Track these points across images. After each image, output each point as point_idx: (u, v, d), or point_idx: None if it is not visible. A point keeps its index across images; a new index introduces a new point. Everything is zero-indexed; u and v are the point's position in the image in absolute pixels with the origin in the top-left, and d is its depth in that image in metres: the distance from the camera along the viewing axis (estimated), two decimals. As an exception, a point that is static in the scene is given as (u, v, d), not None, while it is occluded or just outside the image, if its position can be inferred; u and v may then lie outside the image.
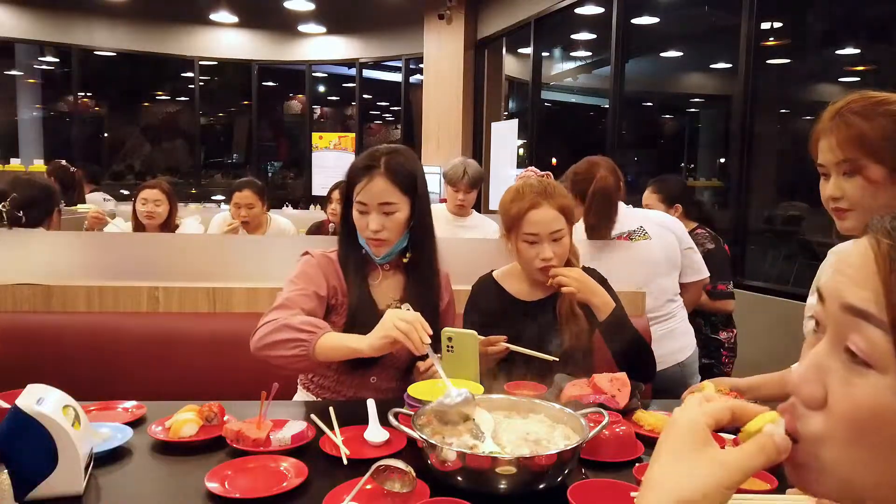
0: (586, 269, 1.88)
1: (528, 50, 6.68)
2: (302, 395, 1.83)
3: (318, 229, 4.11)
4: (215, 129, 11.28)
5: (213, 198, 8.05)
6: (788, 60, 5.41)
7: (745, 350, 3.17)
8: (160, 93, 11.33)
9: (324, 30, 9.42)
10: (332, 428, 1.42)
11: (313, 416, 1.48)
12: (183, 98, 10.85)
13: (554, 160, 7.42)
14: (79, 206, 4.68)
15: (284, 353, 1.52)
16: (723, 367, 2.95)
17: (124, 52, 9.55)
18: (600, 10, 5.96)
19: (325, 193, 4.18)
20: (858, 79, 5.43)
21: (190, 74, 9.89)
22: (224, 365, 2.05)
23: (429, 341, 1.44)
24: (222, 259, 2.49)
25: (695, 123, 9.37)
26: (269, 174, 10.98)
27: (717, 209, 5.63)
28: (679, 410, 0.57)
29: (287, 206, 6.73)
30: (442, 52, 7.81)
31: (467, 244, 2.76)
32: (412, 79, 9.17)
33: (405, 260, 1.78)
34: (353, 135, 8.37)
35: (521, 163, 6.49)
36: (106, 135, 10.82)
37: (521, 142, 6.66)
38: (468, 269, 2.05)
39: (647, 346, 1.88)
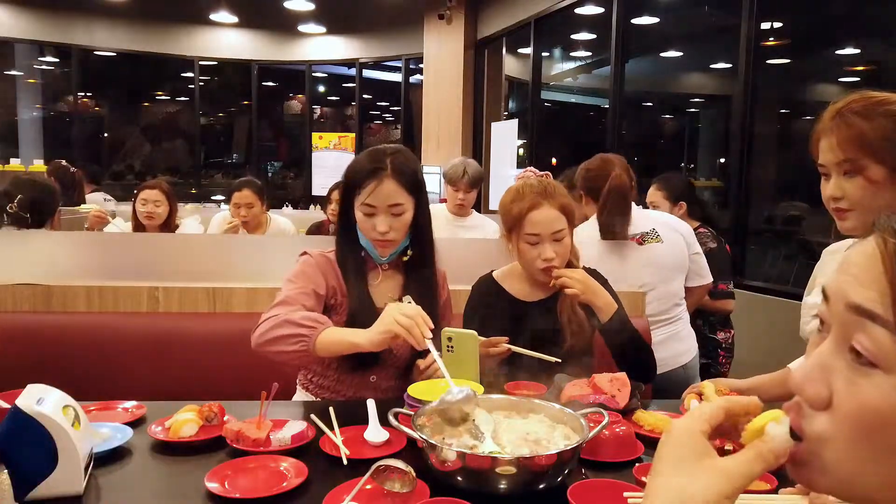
0: (587, 270, 1.88)
1: (528, 50, 6.68)
2: (301, 396, 1.83)
3: (317, 229, 4.11)
4: (215, 129, 11.28)
5: (213, 198, 8.05)
6: (788, 60, 5.41)
7: (745, 350, 3.17)
8: (160, 93, 11.33)
9: (324, 30, 9.42)
10: (332, 428, 1.42)
11: (313, 416, 1.48)
12: (183, 98, 10.85)
13: (554, 160, 7.42)
14: (82, 206, 4.67)
15: (285, 349, 1.52)
16: (720, 368, 2.95)
17: (124, 52, 9.56)
18: (600, 10, 5.96)
19: (324, 193, 4.18)
20: (858, 79, 5.43)
21: (190, 74, 9.89)
22: (224, 365, 2.05)
23: (430, 336, 1.43)
24: (222, 259, 2.50)
25: (695, 123, 9.37)
26: (269, 174, 10.98)
27: (717, 209, 5.62)
28: (674, 423, 0.57)
29: (287, 206, 6.73)
30: (442, 52, 7.81)
31: (467, 244, 2.77)
32: (412, 79, 9.17)
33: (405, 259, 1.78)
34: (353, 135, 8.37)
35: (521, 163, 6.49)
36: (106, 135, 10.82)
37: (521, 142, 6.66)
38: (468, 269, 2.05)
39: (648, 348, 1.88)
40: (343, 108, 11.16)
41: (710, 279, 2.64)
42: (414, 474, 1.15)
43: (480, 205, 5.59)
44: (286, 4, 7.85)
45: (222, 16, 8.65)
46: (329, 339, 1.51)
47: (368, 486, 1.15)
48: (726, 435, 0.59)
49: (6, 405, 1.34)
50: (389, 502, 1.15)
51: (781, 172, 5.58)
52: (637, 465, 1.30)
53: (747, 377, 1.71)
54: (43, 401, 1.16)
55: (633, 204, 2.49)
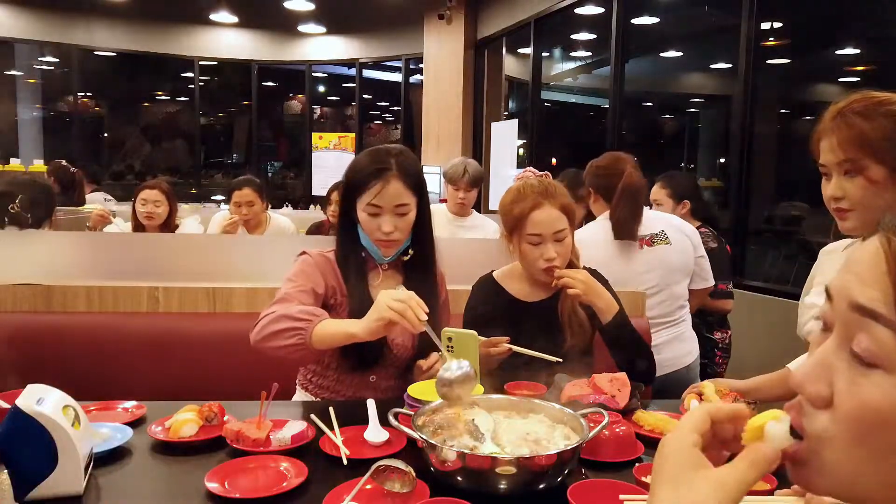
0: (588, 270, 1.87)
1: (528, 50, 6.68)
2: (301, 396, 1.83)
3: (317, 229, 4.11)
4: (215, 129, 11.28)
5: (213, 198, 8.05)
6: (788, 60, 5.41)
7: (745, 350, 3.17)
8: (160, 93, 11.33)
9: (324, 30, 9.42)
10: (332, 428, 1.42)
11: (313, 416, 1.48)
12: (183, 98, 10.85)
13: (554, 160, 7.42)
14: (84, 206, 4.67)
15: (282, 343, 1.52)
16: (716, 368, 2.95)
17: (124, 52, 9.56)
18: (600, 10, 5.96)
19: (324, 193, 4.18)
20: (858, 79, 5.43)
21: (190, 74, 9.89)
22: (224, 365, 2.05)
23: (426, 318, 1.40)
24: (222, 259, 2.49)
25: (695, 123, 9.37)
26: (269, 174, 10.98)
27: (717, 209, 5.63)
28: (664, 439, 0.57)
29: (287, 205, 6.73)
30: (442, 52, 7.81)
31: (467, 244, 2.76)
32: (412, 79, 9.17)
33: (405, 258, 1.78)
34: (353, 135, 8.37)
35: (521, 163, 6.49)
36: (106, 135, 10.82)
37: (521, 142, 6.66)
38: (468, 269, 2.05)
39: (648, 349, 1.88)
40: (343, 108, 11.16)
41: (712, 282, 2.64)
42: (414, 474, 1.15)
43: (480, 205, 5.59)
44: (286, 4, 7.85)
45: (222, 16, 8.65)
46: (325, 330, 1.50)
47: (368, 486, 1.15)
48: (726, 444, 0.59)
49: (6, 405, 1.34)
50: (389, 502, 1.15)
51: (781, 172, 5.58)
52: (637, 465, 1.30)
53: (747, 377, 1.71)
54: (43, 401, 1.16)
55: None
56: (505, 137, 6.60)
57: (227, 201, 4.16)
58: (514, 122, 6.53)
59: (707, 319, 2.96)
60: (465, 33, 7.49)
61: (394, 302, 1.41)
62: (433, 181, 6.29)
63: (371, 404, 1.50)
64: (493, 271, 1.96)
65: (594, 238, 2.41)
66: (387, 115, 11.41)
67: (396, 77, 9.46)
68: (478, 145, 7.61)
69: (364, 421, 1.45)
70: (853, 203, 1.34)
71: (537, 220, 1.75)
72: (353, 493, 1.12)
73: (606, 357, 1.82)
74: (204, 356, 2.11)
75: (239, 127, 11.24)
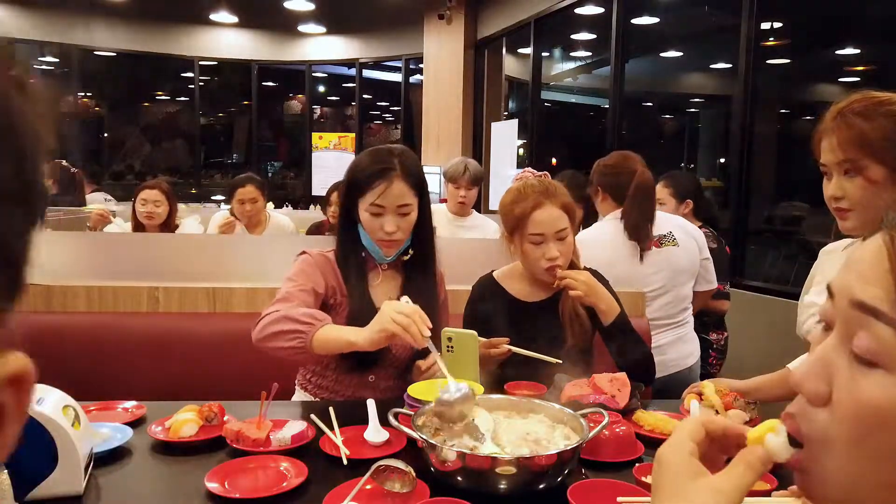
0: (588, 271, 1.87)
1: (528, 50, 6.68)
2: (300, 396, 1.83)
3: (317, 229, 4.11)
4: (215, 129, 11.28)
5: (213, 198, 8.04)
6: (788, 60, 5.42)
7: (745, 350, 3.17)
8: (160, 93, 11.33)
9: (324, 30, 9.41)
10: (331, 428, 1.42)
11: (313, 416, 1.48)
12: (183, 98, 10.84)
13: (554, 160, 7.42)
14: (84, 206, 4.67)
15: (282, 345, 1.52)
16: (709, 368, 2.94)
17: (124, 52, 9.55)
18: (600, 10, 5.96)
19: (324, 193, 4.18)
20: (858, 79, 5.43)
21: (190, 74, 9.88)
22: (224, 365, 2.05)
23: (429, 334, 1.41)
24: (222, 259, 2.49)
25: (695, 123, 9.37)
26: (269, 174, 10.98)
27: (718, 209, 5.63)
28: (660, 450, 0.57)
29: (287, 205, 6.73)
30: (442, 52, 7.81)
31: (467, 244, 2.76)
32: (412, 79, 9.17)
33: (406, 258, 1.78)
34: (353, 135, 8.36)
35: (521, 163, 6.49)
36: (106, 135, 10.82)
37: (521, 142, 6.66)
38: (468, 269, 2.05)
39: (648, 352, 1.88)
40: (343, 108, 11.16)
41: (716, 284, 2.64)
42: (414, 474, 1.15)
43: (480, 205, 5.59)
44: (286, 4, 7.85)
45: (222, 16, 8.65)
46: (326, 336, 1.50)
47: (368, 486, 1.15)
48: (724, 450, 0.59)
49: (6, 405, 1.34)
50: (389, 502, 1.15)
51: (781, 172, 5.58)
52: (637, 465, 1.30)
53: (747, 378, 1.71)
54: (43, 401, 1.16)
55: None
56: (505, 137, 6.60)
57: (227, 201, 4.17)
58: (514, 122, 6.53)
59: (703, 320, 2.96)
60: (465, 33, 7.48)
61: (398, 315, 1.41)
62: (433, 181, 6.29)
63: (371, 404, 1.50)
64: (493, 271, 1.96)
65: (601, 238, 2.40)
66: (387, 115, 11.41)
67: (396, 77, 9.46)
68: (478, 145, 7.61)
69: (364, 421, 1.45)
70: (853, 203, 1.34)
71: (539, 220, 1.75)
72: (353, 493, 1.12)
73: (606, 357, 1.82)
74: (204, 356, 2.11)
75: (239, 127, 11.23)
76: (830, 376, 0.49)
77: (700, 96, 9.16)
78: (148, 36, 9.39)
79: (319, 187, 7.50)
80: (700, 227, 2.98)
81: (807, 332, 1.57)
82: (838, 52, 5.70)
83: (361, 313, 1.67)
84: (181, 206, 4.05)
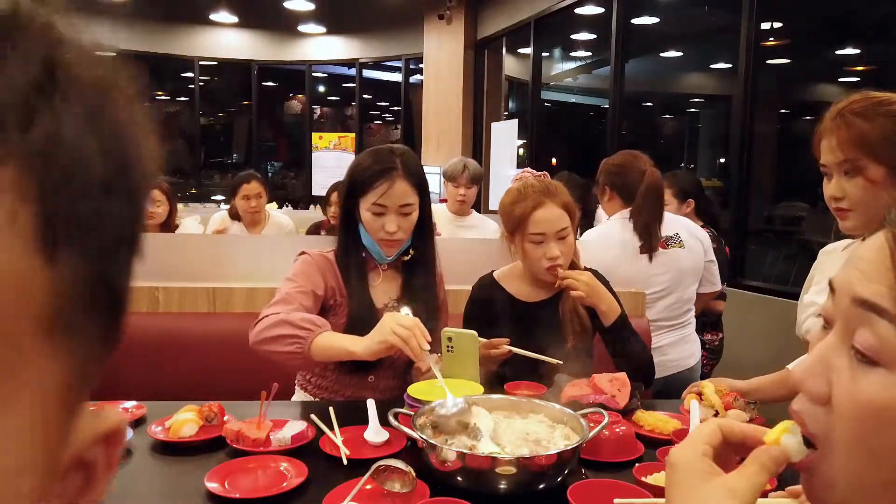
0: (589, 271, 1.87)
1: (528, 50, 6.68)
2: (300, 396, 1.83)
3: (317, 229, 4.11)
4: (215, 129, 11.28)
5: (213, 198, 8.05)
6: (788, 60, 5.42)
7: (744, 350, 3.17)
8: (160, 93, 11.33)
9: (324, 30, 9.41)
10: (331, 428, 1.42)
11: (313, 416, 1.48)
12: (183, 98, 10.85)
13: (554, 160, 7.42)
14: None
15: (280, 349, 1.51)
16: (701, 368, 2.94)
17: (124, 52, 9.53)
18: (600, 10, 5.96)
19: (324, 193, 4.19)
20: (858, 79, 5.44)
21: (190, 74, 9.89)
22: (224, 365, 2.05)
23: (427, 348, 1.42)
24: (222, 259, 2.49)
25: (695, 123, 9.37)
26: (269, 174, 10.98)
27: (718, 209, 5.64)
28: (673, 451, 0.57)
29: (287, 205, 6.73)
30: (442, 52, 7.81)
31: (467, 244, 2.76)
32: (412, 79, 9.17)
33: (406, 258, 1.78)
34: (353, 135, 8.36)
35: (521, 163, 6.48)
36: (106, 135, 10.81)
37: (521, 142, 6.66)
38: (468, 269, 2.05)
39: (648, 352, 1.87)
40: (343, 108, 11.16)
41: (719, 286, 2.63)
42: (414, 474, 1.15)
43: (480, 205, 5.59)
44: (286, 4, 7.85)
45: (222, 16, 8.65)
46: (324, 343, 1.50)
47: (368, 486, 1.15)
48: (740, 453, 0.59)
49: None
50: (389, 502, 1.15)
51: (781, 172, 5.58)
52: (637, 465, 1.30)
53: (748, 378, 1.71)
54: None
55: None
56: (505, 137, 6.60)
57: (227, 201, 4.17)
58: (514, 122, 6.53)
59: (700, 320, 2.96)
60: (465, 33, 7.48)
61: (399, 328, 1.41)
62: (433, 181, 6.28)
63: (371, 404, 1.50)
64: (493, 271, 1.96)
65: (608, 237, 2.40)
66: (387, 115, 11.41)
67: (396, 77, 9.46)
68: (478, 145, 7.61)
69: (364, 421, 1.45)
70: (853, 203, 1.34)
71: (539, 219, 1.75)
72: (353, 493, 1.12)
73: (606, 357, 1.82)
74: (204, 356, 2.11)
75: (239, 127, 11.23)
76: (830, 375, 0.49)
77: (700, 96, 9.17)
78: (148, 36, 9.38)
79: (319, 187, 7.50)
80: (702, 227, 2.98)
81: (806, 332, 1.57)
82: (838, 52, 5.71)
83: (361, 314, 1.68)
84: (181, 206, 4.06)
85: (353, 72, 9.62)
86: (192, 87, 9.92)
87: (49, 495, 0.28)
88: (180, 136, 10.65)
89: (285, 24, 9.28)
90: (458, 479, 1.17)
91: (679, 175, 3.15)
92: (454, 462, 1.17)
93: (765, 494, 1.10)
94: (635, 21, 5.86)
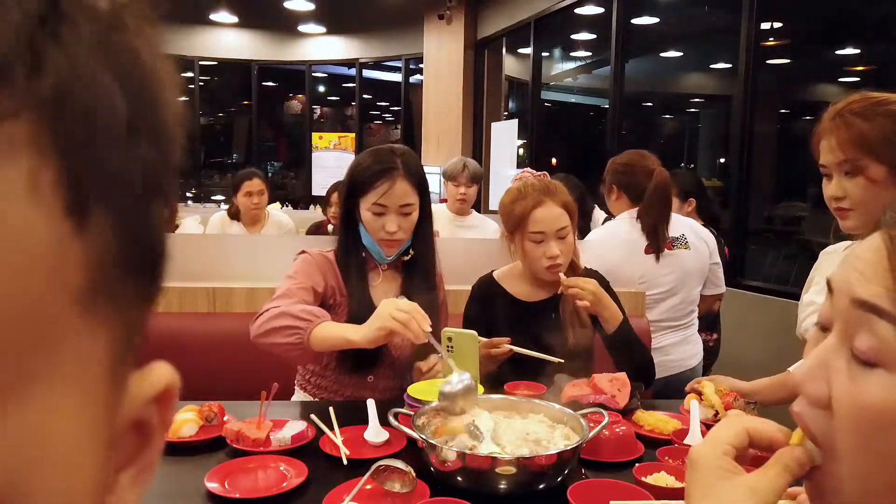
0: (588, 271, 1.87)
1: (528, 50, 6.68)
2: (300, 396, 1.83)
3: (317, 229, 4.11)
4: (215, 129, 11.28)
5: (213, 198, 8.04)
6: (788, 60, 5.42)
7: (744, 350, 3.17)
8: (160, 93, 11.32)
9: (324, 30, 9.41)
10: (331, 428, 1.42)
11: (313, 416, 1.48)
12: (183, 98, 10.82)
13: (554, 160, 7.42)
14: None
15: (281, 341, 1.51)
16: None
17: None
18: (600, 10, 5.96)
19: (324, 193, 4.19)
20: (858, 79, 5.44)
21: (190, 74, 9.89)
22: (224, 365, 2.05)
23: (429, 329, 1.41)
24: (222, 259, 2.49)
25: (695, 123, 9.37)
26: (269, 174, 10.98)
27: (718, 209, 5.64)
28: (694, 449, 0.56)
29: (287, 205, 6.73)
30: (442, 52, 7.81)
31: (467, 244, 2.76)
32: (412, 79, 9.17)
33: (406, 258, 1.78)
34: (353, 135, 8.36)
35: (521, 163, 6.48)
36: (105, 135, 10.81)
37: (520, 142, 6.66)
38: (468, 269, 2.05)
39: (649, 356, 1.87)
40: (343, 108, 11.16)
41: (723, 288, 2.63)
42: (414, 474, 1.15)
43: (480, 205, 5.59)
44: (286, 4, 7.85)
45: (222, 16, 8.65)
46: (324, 333, 1.49)
47: (368, 486, 1.15)
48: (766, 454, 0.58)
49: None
50: (389, 502, 1.15)
51: (781, 172, 5.58)
52: (637, 465, 1.30)
53: (748, 378, 1.71)
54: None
55: None
56: (505, 137, 6.60)
57: (227, 201, 4.17)
58: (514, 122, 6.53)
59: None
60: (465, 33, 7.48)
61: (397, 312, 1.41)
62: (433, 181, 6.27)
63: (371, 404, 1.50)
64: (493, 271, 1.96)
65: (614, 237, 2.39)
66: (387, 115, 11.41)
67: (396, 77, 9.46)
68: (478, 145, 7.61)
69: (364, 421, 1.45)
70: (854, 203, 1.34)
71: (539, 218, 1.75)
72: (353, 493, 1.12)
73: (606, 357, 1.82)
74: (204, 356, 2.11)
75: (239, 127, 11.23)
76: (829, 378, 0.49)
77: (700, 96, 9.17)
78: (148, 36, 9.38)
79: (319, 187, 7.50)
80: (703, 227, 2.98)
81: (805, 332, 1.57)
82: (838, 52, 5.71)
83: (361, 313, 1.67)
84: (181, 206, 4.06)
85: (353, 72, 9.62)
86: (192, 86, 9.92)
87: (110, 463, 0.27)
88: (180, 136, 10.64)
89: (285, 24, 9.28)
90: (458, 479, 1.17)
91: (680, 174, 3.15)
92: (454, 462, 1.17)
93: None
94: (635, 21, 5.86)
